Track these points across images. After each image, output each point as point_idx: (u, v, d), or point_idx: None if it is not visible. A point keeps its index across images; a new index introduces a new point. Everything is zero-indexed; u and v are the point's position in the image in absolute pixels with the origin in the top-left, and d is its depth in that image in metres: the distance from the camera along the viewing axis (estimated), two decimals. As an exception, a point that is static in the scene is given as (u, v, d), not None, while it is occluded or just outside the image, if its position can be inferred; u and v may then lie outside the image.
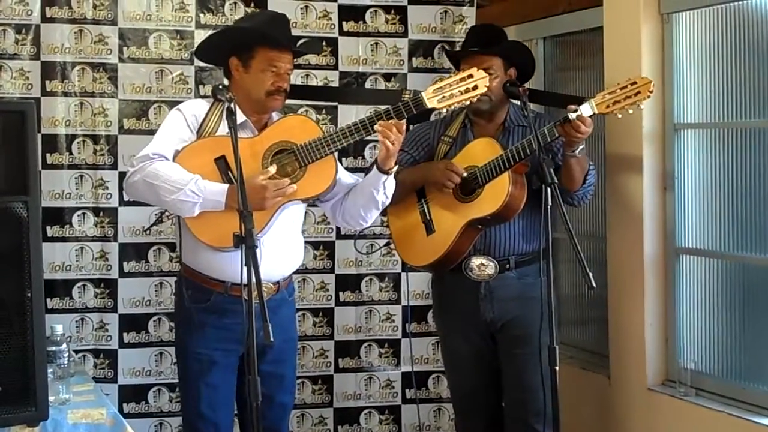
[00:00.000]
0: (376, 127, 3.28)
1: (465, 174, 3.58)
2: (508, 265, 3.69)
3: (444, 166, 3.63)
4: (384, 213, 3.73)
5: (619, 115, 3.47)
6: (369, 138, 3.49)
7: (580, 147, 3.51)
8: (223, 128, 3.33)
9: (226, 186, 3.24)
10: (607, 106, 3.43)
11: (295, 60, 3.44)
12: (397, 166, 3.40)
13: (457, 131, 3.79)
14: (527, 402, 3.63)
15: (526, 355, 3.60)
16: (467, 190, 3.62)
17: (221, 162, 3.28)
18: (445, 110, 3.47)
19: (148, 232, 4.11)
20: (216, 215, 3.24)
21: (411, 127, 3.88)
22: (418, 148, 3.82)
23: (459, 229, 3.61)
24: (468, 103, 3.45)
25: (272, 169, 3.24)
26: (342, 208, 3.52)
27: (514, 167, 3.51)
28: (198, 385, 3.38)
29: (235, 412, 3.58)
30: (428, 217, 3.71)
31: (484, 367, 3.81)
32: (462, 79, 3.37)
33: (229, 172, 3.27)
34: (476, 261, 3.68)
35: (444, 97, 3.35)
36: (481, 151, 3.62)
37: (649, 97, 3.42)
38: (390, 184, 3.42)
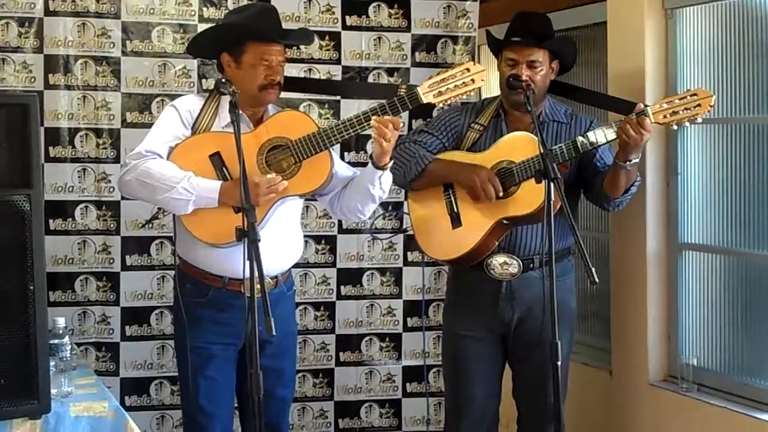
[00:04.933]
0: (371, 122, 3.25)
1: (501, 194, 3.45)
2: (532, 265, 3.57)
3: (486, 176, 3.46)
4: (405, 197, 3.65)
5: (675, 127, 3.39)
6: (369, 133, 3.48)
7: (635, 160, 3.38)
8: (218, 124, 3.36)
9: (219, 183, 3.24)
10: (665, 116, 3.32)
11: (288, 50, 3.42)
12: (392, 162, 3.36)
13: (489, 120, 3.68)
14: (545, 408, 3.44)
15: (545, 360, 3.37)
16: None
17: (216, 158, 3.28)
18: (441, 105, 3.43)
19: (150, 225, 4.11)
20: (210, 212, 3.24)
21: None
22: (447, 134, 3.71)
23: (489, 227, 3.49)
24: (465, 97, 3.42)
25: (271, 175, 3.23)
26: (339, 201, 3.52)
27: None
28: (197, 379, 3.39)
29: (235, 405, 3.59)
30: (455, 210, 3.58)
31: (488, 372, 3.71)
32: (458, 73, 3.35)
33: (224, 168, 3.28)
34: (499, 259, 3.57)
35: (440, 92, 3.34)
36: (519, 146, 3.48)
37: (709, 111, 3.30)
38: (386, 178, 3.40)
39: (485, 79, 3.39)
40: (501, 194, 3.46)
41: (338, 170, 3.49)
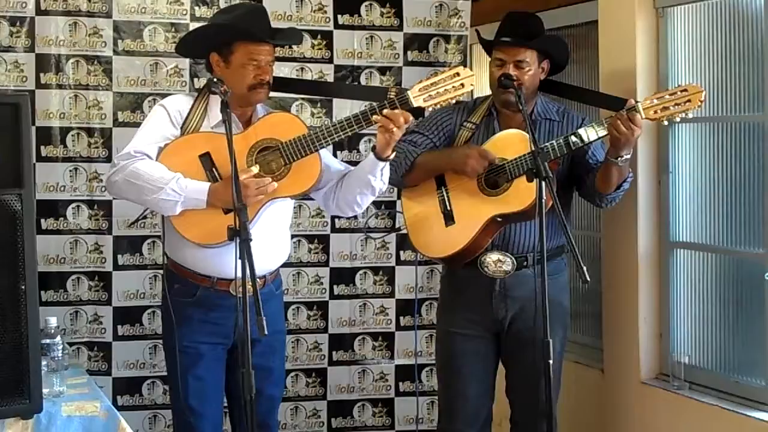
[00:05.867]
0: (375, 118, 3.25)
1: (497, 162, 3.47)
2: (526, 263, 3.58)
3: (478, 152, 3.50)
4: (398, 196, 3.65)
5: (665, 122, 3.40)
6: (362, 132, 3.48)
7: (626, 156, 3.38)
8: (207, 124, 3.36)
9: (207, 184, 3.24)
10: (655, 112, 3.32)
11: (279, 50, 3.41)
12: (394, 153, 3.37)
13: (481, 118, 3.69)
14: (537, 406, 3.40)
15: (538, 358, 3.32)
16: (492, 182, 3.52)
17: (206, 159, 3.28)
18: (430, 108, 3.44)
19: (142, 225, 4.11)
20: (199, 213, 3.24)
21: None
22: (438, 134, 3.72)
23: (482, 224, 3.50)
24: (454, 101, 3.43)
25: (255, 169, 3.24)
26: (336, 195, 3.51)
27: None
28: (186, 379, 3.39)
29: (225, 404, 3.59)
30: (448, 208, 3.59)
31: (481, 370, 3.71)
32: (448, 78, 3.36)
33: (214, 169, 3.28)
34: (493, 256, 3.57)
35: (430, 95, 3.35)
36: (511, 143, 3.49)
37: (700, 106, 3.30)
38: (387, 170, 3.41)
39: (474, 84, 3.40)
40: (496, 161, 3.47)
41: (330, 164, 3.49)
